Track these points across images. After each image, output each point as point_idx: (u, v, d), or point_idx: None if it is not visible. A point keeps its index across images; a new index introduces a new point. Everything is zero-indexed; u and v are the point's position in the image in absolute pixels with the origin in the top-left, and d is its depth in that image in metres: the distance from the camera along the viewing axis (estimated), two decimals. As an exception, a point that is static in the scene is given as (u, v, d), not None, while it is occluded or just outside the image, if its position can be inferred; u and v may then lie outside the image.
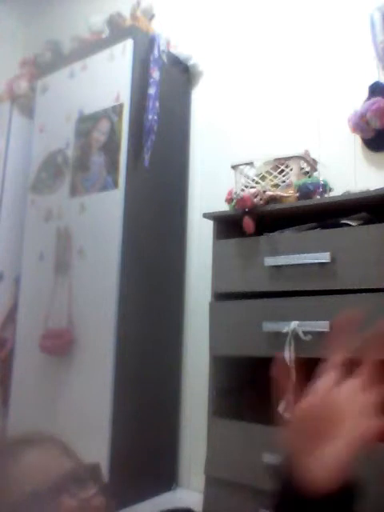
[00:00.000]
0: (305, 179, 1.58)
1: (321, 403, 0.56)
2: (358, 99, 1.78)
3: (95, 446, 1.77)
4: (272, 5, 2.16)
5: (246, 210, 1.51)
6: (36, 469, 0.68)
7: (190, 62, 2.33)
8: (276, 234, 1.52)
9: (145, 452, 1.94)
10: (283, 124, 2.03)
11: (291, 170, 1.59)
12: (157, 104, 2.07)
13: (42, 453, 0.72)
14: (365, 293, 1.28)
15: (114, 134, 2.08)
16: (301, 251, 1.40)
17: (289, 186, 1.56)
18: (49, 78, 2.45)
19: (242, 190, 1.61)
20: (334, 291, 1.34)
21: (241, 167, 1.68)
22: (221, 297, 1.58)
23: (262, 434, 1.39)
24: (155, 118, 2.06)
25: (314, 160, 1.73)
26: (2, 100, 2.71)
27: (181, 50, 2.31)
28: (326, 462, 0.54)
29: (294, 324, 1.35)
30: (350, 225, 1.40)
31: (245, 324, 1.48)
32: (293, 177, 1.58)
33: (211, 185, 2.20)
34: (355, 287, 1.31)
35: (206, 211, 1.69)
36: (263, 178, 1.63)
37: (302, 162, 1.65)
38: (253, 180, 1.65)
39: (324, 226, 1.45)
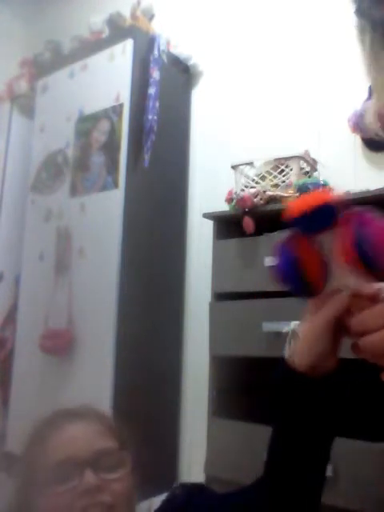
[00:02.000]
0: (305, 179, 1.59)
1: None
2: (357, 99, 1.77)
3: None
4: (272, 5, 2.16)
5: (246, 209, 1.52)
6: (71, 441, 0.73)
7: (190, 62, 2.33)
8: (276, 234, 1.52)
9: (145, 452, 1.94)
10: (283, 124, 2.03)
11: (291, 169, 1.59)
12: (157, 104, 2.07)
13: (85, 426, 0.76)
14: (365, 293, 1.28)
15: (114, 134, 2.08)
16: (301, 251, 1.40)
17: (289, 186, 1.56)
18: (49, 78, 2.45)
19: (242, 190, 1.61)
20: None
21: (241, 167, 1.68)
22: (221, 297, 1.58)
23: (262, 434, 1.39)
24: (155, 118, 2.06)
25: (314, 160, 1.73)
26: (2, 100, 2.71)
27: (181, 50, 2.31)
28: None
29: (294, 324, 1.35)
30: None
31: (245, 324, 1.48)
32: (293, 177, 1.58)
33: (211, 185, 2.19)
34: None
35: (206, 211, 1.69)
36: (263, 178, 1.63)
37: (301, 161, 1.65)
38: (253, 180, 1.65)
39: (324, 226, 1.45)
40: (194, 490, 0.82)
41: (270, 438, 0.70)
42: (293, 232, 0.60)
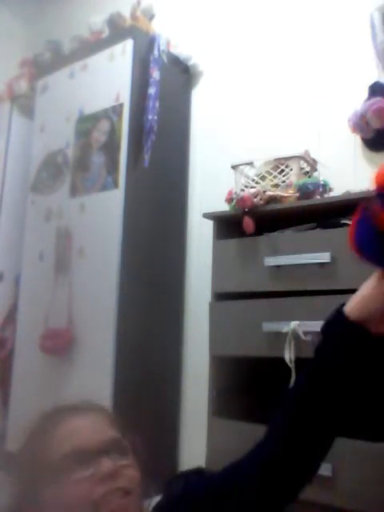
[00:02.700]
0: (305, 179, 1.58)
1: None
2: (358, 99, 1.77)
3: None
4: (272, 5, 2.16)
5: (246, 210, 1.51)
6: (80, 431, 0.74)
7: (190, 62, 2.33)
8: (276, 234, 1.52)
9: (145, 452, 1.94)
10: (283, 124, 2.03)
11: (291, 170, 1.59)
12: (157, 104, 2.07)
13: (87, 419, 0.77)
14: (365, 293, 1.28)
15: (114, 134, 2.08)
16: (301, 251, 1.40)
17: (289, 186, 1.56)
18: (49, 78, 2.45)
19: (242, 190, 1.61)
20: (334, 291, 1.34)
21: (241, 167, 1.68)
22: (221, 297, 1.58)
23: (261, 434, 1.39)
24: (155, 118, 2.06)
25: (314, 160, 1.73)
26: (2, 100, 2.71)
27: (181, 50, 2.31)
28: None
29: (294, 324, 1.35)
30: (349, 225, 1.39)
31: (245, 324, 1.48)
32: (293, 177, 1.58)
33: (211, 185, 2.19)
34: (355, 287, 1.30)
35: (206, 211, 1.68)
36: (263, 178, 1.63)
37: (302, 161, 1.65)
38: (253, 180, 1.65)
39: (324, 226, 1.45)
40: (191, 476, 0.84)
41: (303, 376, 0.76)
42: (374, 204, 0.62)
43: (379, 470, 1.17)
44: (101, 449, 0.71)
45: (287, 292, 1.42)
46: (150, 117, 2.04)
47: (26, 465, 0.74)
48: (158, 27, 2.29)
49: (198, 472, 0.87)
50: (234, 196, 1.58)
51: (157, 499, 0.78)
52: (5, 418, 2.27)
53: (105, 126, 2.12)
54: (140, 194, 2.06)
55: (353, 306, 0.73)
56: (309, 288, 1.39)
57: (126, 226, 1.98)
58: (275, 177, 1.60)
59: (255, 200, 1.51)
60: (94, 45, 2.32)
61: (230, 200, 1.61)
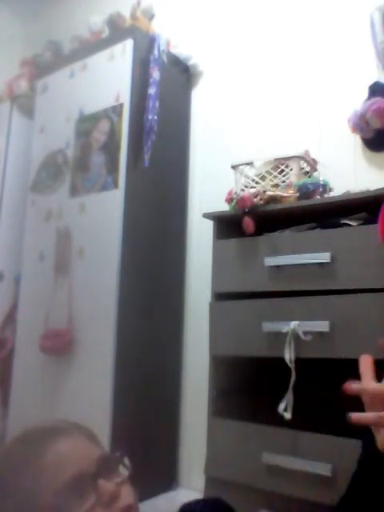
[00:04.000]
0: (305, 179, 1.58)
1: None
2: (358, 99, 1.78)
3: (95, 445, 1.77)
4: (272, 5, 2.16)
5: (246, 210, 1.51)
6: (69, 456, 0.68)
7: (190, 62, 2.33)
8: (276, 234, 1.52)
9: (145, 452, 1.94)
10: (283, 124, 2.03)
11: (291, 170, 1.59)
12: (157, 104, 2.07)
13: (71, 441, 0.71)
14: (365, 293, 1.28)
15: (114, 134, 2.08)
16: (301, 251, 1.40)
17: (289, 186, 1.56)
18: (49, 77, 2.45)
19: (242, 190, 1.61)
20: (334, 291, 1.34)
21: (241, 167, 1.68)
22: (221, 297, 1.58)
23: (262, 434, 1.39)
24: (155, 117, 2.06)
25: (314, 160, 1.73)
26: (2, 100, 2.71)
27: (181, 50, 2.31)
28: None
29: (293, 324, 1.35)
30: (350, 225, 1.39)
31: (245, 324, 1.48)
32: (293, 177, 1.58)
33: (211, 185, 2.20)
34: (355, 287, 1.31)
35: (206, 211, 1.68)
36: (263, 178, 1.63)
37: (302, 162, 1.65)
38: (253, 180, 1.65)
39: (324, 226, 1.45)
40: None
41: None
42: None
43: None
44: (95, 471, 0.67)
45: (287, 292, 1.42)
46: (150, 117, 2.04)
47: (17, 505, 0.65)
48: (158, 27, 2.29)
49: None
50: (234, 196, 1.58)
51: (142, 506, 0.75)
52: (5, 418, 2.27)
53: (105, 126, 2.12)
54: (140, 194, 2.06)
55: None
56: (309, 288, 1.38)
57: (125, 226, 1.98)
58: (275, 177, 1.60)
59: (255, 200, 1.51)
60: (93, 45, 2.32)
61: (229, 200, 1.61)
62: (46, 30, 2.97)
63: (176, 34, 2.33)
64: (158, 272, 2.12)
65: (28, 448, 0.69)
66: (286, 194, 1.53)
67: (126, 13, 2.29)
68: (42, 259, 2.24)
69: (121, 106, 2.07)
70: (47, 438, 0.70)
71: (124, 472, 0.72)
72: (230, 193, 1.64)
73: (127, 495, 0.68)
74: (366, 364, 0.68)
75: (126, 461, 0.74)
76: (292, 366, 1.33)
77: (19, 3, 3.04)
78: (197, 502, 0.85)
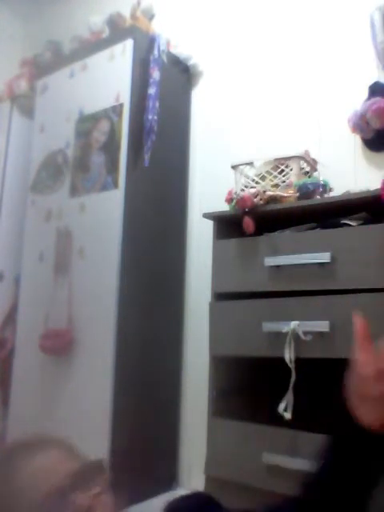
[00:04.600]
0: (305, 179, 1.58)
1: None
2: (358, 99, 1.77)
3: (95, 446, 1.77)
4: (272, 5, 2.16)
5: (246, 210, 1.51)
6: (45, 472, 0.69)
7: (190, 62, 2.33)
8: (276, 234, 1.52)
9: (145, 452, 1.94)
10: (283, 124, 2.03)
11: (291, 170, 1.59)
12: (157, 104, 2.07)
13: (48, 456, 0.72)
14: (365, 293, 1.28)
15: (114, 134, 2.08)
16: (301, 251, 1.40)
17: (289, 186, 1.56)
18: (49, 77, 2.45)
19: (242, 190, 1.61)
20: (334, 291, 1.34)
21: (241, 167, 1.68)
22: (221, 297, 1.58)
23: (261, 434, 1.39)
24: (155, 117, 2.05)
25: (314, 160, 1.73)
26: (1, 100, 2.71)
27: (181, 50, 2.31)
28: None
29: (293, 324, 1.35)
30: (350, 225, 1.40)
31: (245, 324, 1.48)
32: (293, 177, 1.58)
33: (211, 185, 2.19)
34: (355, 287, 1.31)
35: (206, 211, 1.68)
36: (263, 178, 1.63)
37: (302, 162, 1.65)
38: (253, 180, 1.65)
39: (324, 226, 1.45)
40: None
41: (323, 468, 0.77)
42: None
43: None
44: (72, 485, 0.68)
45: (287, 292, 1.42)
46: (150, 117, 2.04)
47: None
48: (158, 27, 2.29)
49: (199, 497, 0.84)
50: (234, 196, 1.58)
51: (142, 506, 0.76)
52: (5, 418, 2.26)
53: (105, 126, 2.12)
54: (140, 194, 2.06)
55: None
56: (309, 288, 1.39)
57: (125, 226, 1.98)
58: (275, 177, 1.60)
59: (255, 200, 1.51)
60: (93, 45, 2.32)
61: (229, 200, 1.61)
62: (46, 29, 2.97)
63: (176, 34, 2.33)
64: (158, 272, 2.12)
65: (7, 464, 0.70)
66: (286, 194, 1.53)
67: (126, 13, 2.29)
68: (42, 259, 2.24)
69: (121, 105, 2.07)
70: (18, 457, 0.71)
71: (104, 480, 0.71)
72: (230, 193, 1.64)
73: (104, 506, 0.68)
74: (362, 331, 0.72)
75: (104, 466, 0.73)
76: (292, 366, 1.33)
77: (19, 3, 3.04)
78: (180, 499, 0.85)
